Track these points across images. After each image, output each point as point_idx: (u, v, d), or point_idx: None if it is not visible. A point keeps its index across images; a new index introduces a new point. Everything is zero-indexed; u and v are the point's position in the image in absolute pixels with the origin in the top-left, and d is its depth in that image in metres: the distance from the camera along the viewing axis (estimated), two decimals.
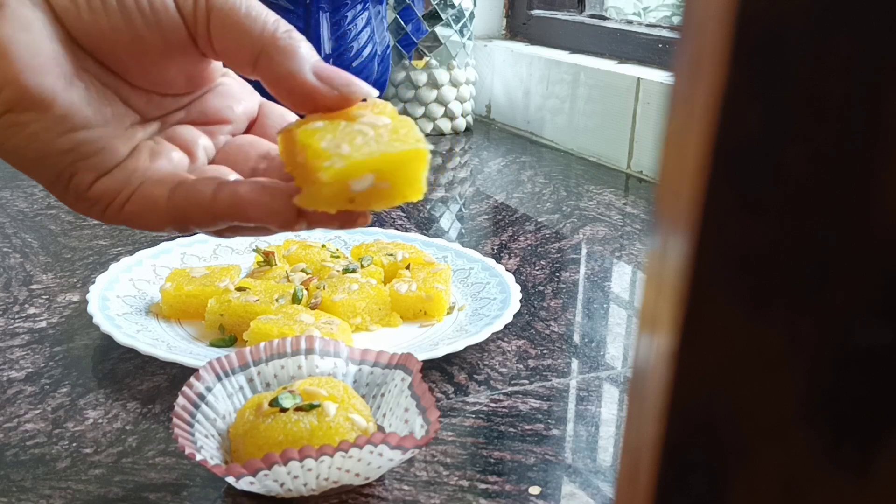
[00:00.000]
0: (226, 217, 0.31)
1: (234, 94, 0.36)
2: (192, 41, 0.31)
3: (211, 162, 0.35)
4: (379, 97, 0.32)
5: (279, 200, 0.30)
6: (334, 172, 0.28)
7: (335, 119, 0.30)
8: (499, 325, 0.56)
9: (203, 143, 0.35)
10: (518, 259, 0.74)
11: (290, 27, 0.31)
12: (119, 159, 0.32)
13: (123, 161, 0.32)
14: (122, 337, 0.53)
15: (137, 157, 0.32)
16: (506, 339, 0.58)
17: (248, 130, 0.37)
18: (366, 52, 1.03)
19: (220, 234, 0.33)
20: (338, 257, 0.66)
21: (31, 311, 0.62)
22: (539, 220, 0.86)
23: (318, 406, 0.40)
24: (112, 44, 0.31)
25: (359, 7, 1.01)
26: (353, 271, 0.62)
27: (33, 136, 0.30)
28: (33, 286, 0.66)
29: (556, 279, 0.70)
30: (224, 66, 0.34)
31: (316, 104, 0.31)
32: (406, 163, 0.29)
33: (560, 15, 1.27)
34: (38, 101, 0.29)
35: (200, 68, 0.34)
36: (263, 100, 0.37)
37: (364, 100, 0.31)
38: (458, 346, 0.53)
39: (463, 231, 0.85)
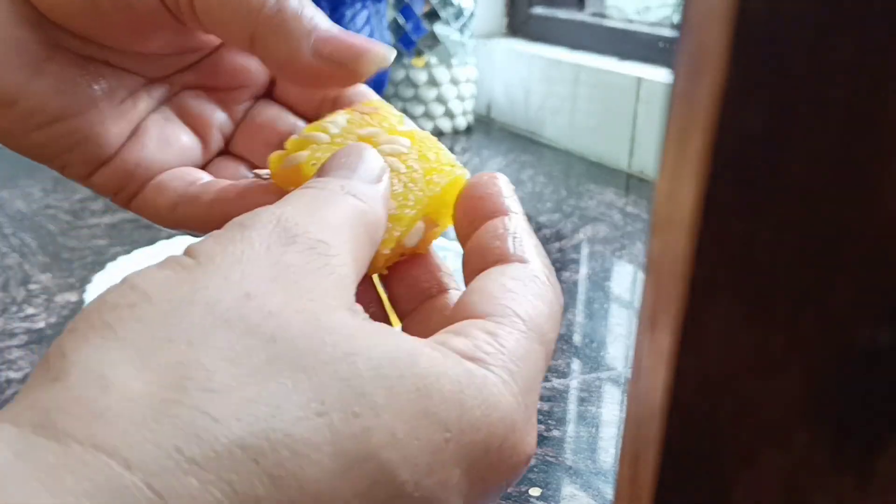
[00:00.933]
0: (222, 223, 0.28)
1: None
2: (174, 19, 0.27)
3: (227, 140, 0.31)
4: (378, 96, 0.30)
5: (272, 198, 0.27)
6: (394, 240, 0.24)
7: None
8: None
9: (218, 119, 0.31)
10: None
11: None
12: (114, 147, 0.28)
13: (123, 147, 0.29)
14: None
15: (142, 144, 0.29)
16: None
17: (269, 90, 0.32)
18: None
19: None
20: None
21: (29, 311, 0.62)
22: (539, 219, 0.86)
23: None
24: (83, 19, 0.27)
25: (358, 6, 1.01)
26: None
27: (4, 132, 0.27)
28: (31, 286, 0.66)
29: (557, 279, 0.70)
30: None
31: (324, 86, 0.28)
32: (449, 195, 0.26)
33: (561, 13, 1.27)
34: None
35: (195, 38, 0.30)
36: None
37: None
38: None
39: None
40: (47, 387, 0.16)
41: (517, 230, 0.24)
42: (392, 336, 0.18)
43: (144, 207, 0.29)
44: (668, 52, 1.04)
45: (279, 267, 0.18)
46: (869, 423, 0.13)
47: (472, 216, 0.25)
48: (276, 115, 0.31)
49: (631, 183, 1.00)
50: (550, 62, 1.17)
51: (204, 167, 0.31)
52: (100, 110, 0.28)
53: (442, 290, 0.26)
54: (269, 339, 0.17)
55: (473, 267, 0.24)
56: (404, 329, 0.26)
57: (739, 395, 0.14)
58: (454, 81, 1.20)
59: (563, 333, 0.60)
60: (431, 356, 0.18)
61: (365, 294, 0.26)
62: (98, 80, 0.28)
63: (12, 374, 0.52)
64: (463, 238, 0.25)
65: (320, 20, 0.27)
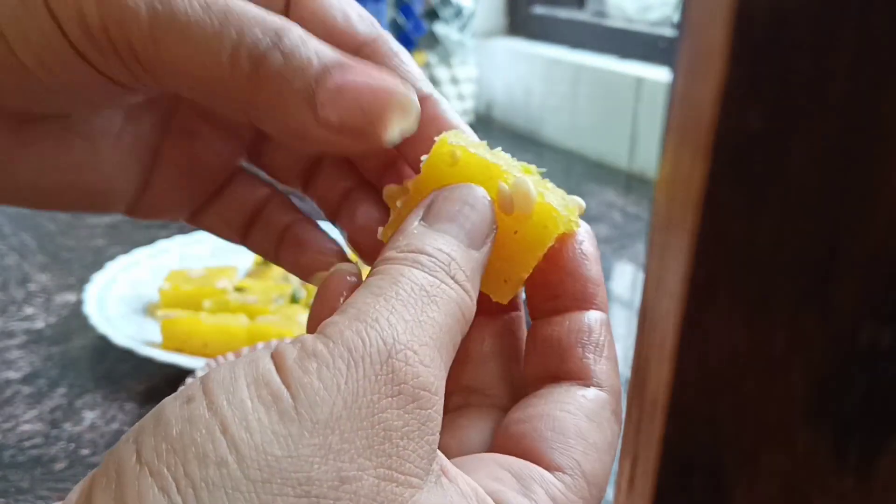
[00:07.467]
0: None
1: None
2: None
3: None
4: None
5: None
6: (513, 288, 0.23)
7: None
8: None
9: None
10: None
11: (263, 33, 0.20)
12: (133, 188, 0.26)
13: (152, 183, 0.26)
14: (120, 338, 0.52)
15: (169, 174, 0.26)
16: None
17: None
18: None
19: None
20: None
21: (29, 311, 0.62)
22: None
23: None
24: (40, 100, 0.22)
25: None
26: None
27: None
28: (30, 286, 0.66)
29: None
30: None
31: (342, 154, 0.24)
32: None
33: (561, 13, 1.27)
34: None
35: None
36: None
37: None
38: None
39: None
40: None
41: (602, 337, 0.23)
42: None
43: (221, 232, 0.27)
44: (668, 52, 1.04)
45: (377, 430, 0.17)
46: (869, 423, 0.13)
47: (556, 290, 0.24)
48: None
49: (631, 183, 1.00)
50: (550, 62, 1.17)
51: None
52: (99, 159, 0.24)
53: (494, 311, 0.25)
54: None
55: (547, 360, 0.23)
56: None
57: (739, 395, 0.14)
58: (454, 81, 1.20)
59: None
60: None
61: None
62: (79, 130, 0.24)
63: (12, 375, 0.52)
64: (537, 307, 0.24)
65: (317, 64, 0.20)
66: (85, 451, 0.44)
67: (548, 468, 0.21)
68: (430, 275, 0.19)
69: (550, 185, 0.24)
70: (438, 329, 0.19)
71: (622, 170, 1.04)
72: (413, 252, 0.20)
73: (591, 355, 0.23)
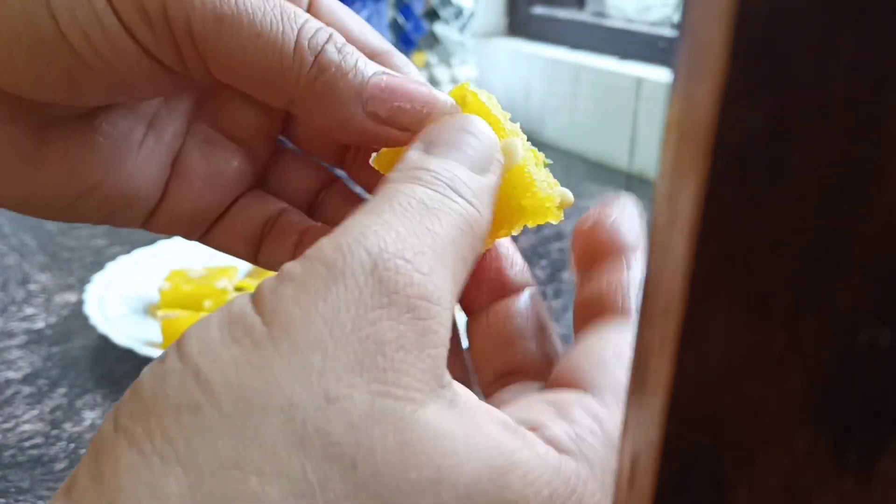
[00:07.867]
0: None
1: None
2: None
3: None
4: None
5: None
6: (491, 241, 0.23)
7: None
8: None
9: (258, 121, 0.28)
10: None
11: (317, 30, 0.22)
12: (154, 196, 0.26)
13: (168, 193, 0.26)
14: (120, 338, 0.53)
15: (188, 185, 0.27)
16: None
17: None
18: None
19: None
20: None
21: (29, 311, 0.62)
22: None
23: None
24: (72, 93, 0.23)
25: (357, 5, 1.01)
26: None
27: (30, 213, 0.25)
28: (31, 286, 0.66)
29: (557, 279, 0.70)
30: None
31: (382, 145, 0.23)
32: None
33: (561, 13, 1.27)
34: None
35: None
36: None
37: None
38: None
39: None
40: None
41: (633, 283, 0.23)
42: (483, 442, 0.17)
43: (229, 248, 0.27)
44: (668, 52, 1.04)
45: (367, 345, 0.16)
46: (870, 424, 0.13)
47: (592, 253, 0.24)
48: None
49: (631, 183, 1.00)
50: (550, 62, 1.17)
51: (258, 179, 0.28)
52: (122, 164, 0.25)
53: (510, 291, 0.25)
54: (350, 465, 0.15)
55: (594, 312, 0.23)
56: (471, 333, 0.25)
57: (739, 395, 0.14)
58: (454, 81, 1.20)
59: (564, 333, 0.60)
60: (525, 469, 0.17)
61: None
62: (104, 131, 0.24)
63: (12, 375, 0.52)
64: (581, 273, 0.24)
65: (365, 67, 0.22)
66: (85, 451, 0.44)
67: (586, 390, 0.20)
68: (429, 188, 0.19)
69: (546, 172, 0.24)
70: (439, 240, 0.18)
71: (622, 170, 1.04)
72: (412, 170, 0.19)
73: (620, 294, 0.22)
